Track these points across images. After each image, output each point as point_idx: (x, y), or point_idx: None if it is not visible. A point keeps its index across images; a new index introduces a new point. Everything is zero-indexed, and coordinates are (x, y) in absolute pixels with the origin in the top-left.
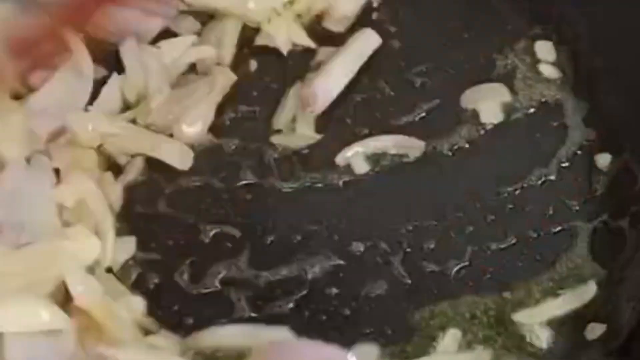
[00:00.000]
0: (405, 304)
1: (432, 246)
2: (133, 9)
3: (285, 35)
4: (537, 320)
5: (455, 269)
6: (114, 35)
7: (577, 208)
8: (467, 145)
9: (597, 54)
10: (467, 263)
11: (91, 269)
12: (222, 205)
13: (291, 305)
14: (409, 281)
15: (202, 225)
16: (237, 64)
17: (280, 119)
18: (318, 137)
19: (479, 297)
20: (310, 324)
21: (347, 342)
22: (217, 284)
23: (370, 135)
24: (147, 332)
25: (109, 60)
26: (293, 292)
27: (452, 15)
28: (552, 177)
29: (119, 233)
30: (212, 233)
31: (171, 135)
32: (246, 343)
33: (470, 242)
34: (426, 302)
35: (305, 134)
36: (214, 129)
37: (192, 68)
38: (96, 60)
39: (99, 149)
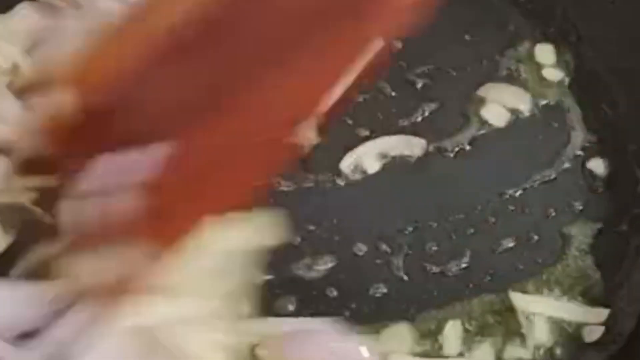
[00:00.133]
0: (405, 305)
1: (433, 247)
2: None
3: None
4: (536, 310)
5: (456, 270)
6: None
7: (579, 210)
8: (468, 147)
9: (599, 55)
10: (467, 264)
11: None
12: None
13: (291, 306)
14: (410, 282)
15: None
16: None
17: None
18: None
19: (479, 298)
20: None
21: None
22: None
23: (371, 136)
24: None
25: None
26: (293, 293)
27: (454, 17)
28: (554, 180)
29: None
30: None
31: None
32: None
33: (471, 244)
34: (426, 303)
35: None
36: None
37: None
38: None
39: None
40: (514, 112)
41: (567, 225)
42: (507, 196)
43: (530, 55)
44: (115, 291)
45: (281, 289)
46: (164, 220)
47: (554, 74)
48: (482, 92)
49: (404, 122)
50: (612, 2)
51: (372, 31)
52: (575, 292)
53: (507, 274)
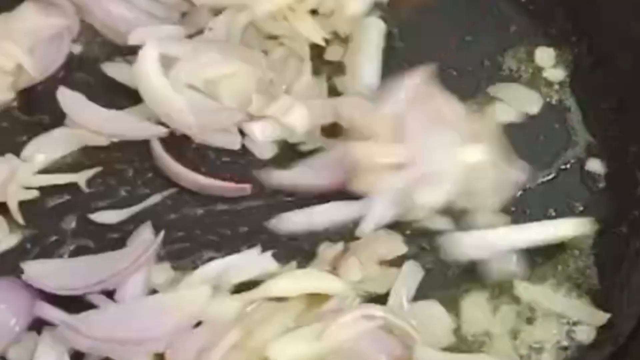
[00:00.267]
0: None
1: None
2: None
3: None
4: (537, 297)
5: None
6: None
7: (579, 211)
8: None
9: (600, 57)
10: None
11: None
12: None
13: None
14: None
15: None
16: None
17: None
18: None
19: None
20: None
21: None
22: None
23: None
24: None
25: None
26: None
27: (455, 18)
28: (554, 180)
29: None
30: None
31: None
32: None
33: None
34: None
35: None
36: None
37: None
38: None
39: None
40: (522, 112)
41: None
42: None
43: (531, 56)
44: None
45: None
46: None
47: (554, 75)
48: (492, 91)
49: None
50: (613, 3)
51: None
52: (575, 293)
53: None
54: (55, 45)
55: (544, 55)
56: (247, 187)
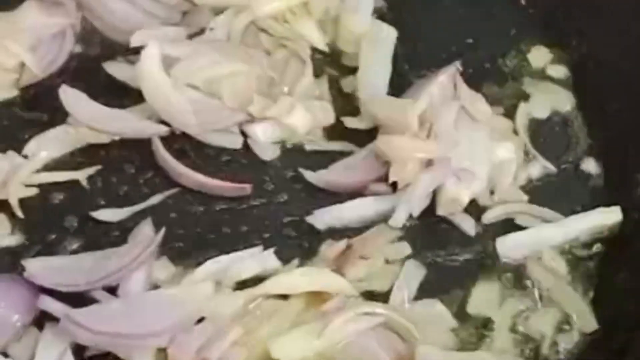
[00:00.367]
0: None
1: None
2: None
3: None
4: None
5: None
6: None
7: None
8: None
9: (601, 58)
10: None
11: None
12: None
13: None
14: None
15: None
16: None
17: None
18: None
19: None
20: None
21: None
22: None
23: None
24: None
25: None
26: None
27: (455, 20)
28: (554, 180)
29: None
30: None
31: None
32: None
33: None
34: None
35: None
36: None
37: None
38: None
39: None
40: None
41: None
42: None
43: (532, 58)
44: None
45: None
46: None
47: (555, 76)
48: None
49: None
50: (613, 7)
51: None
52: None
53: None
54: (57, 44)
55: (544, 57)
56: (247, 187)
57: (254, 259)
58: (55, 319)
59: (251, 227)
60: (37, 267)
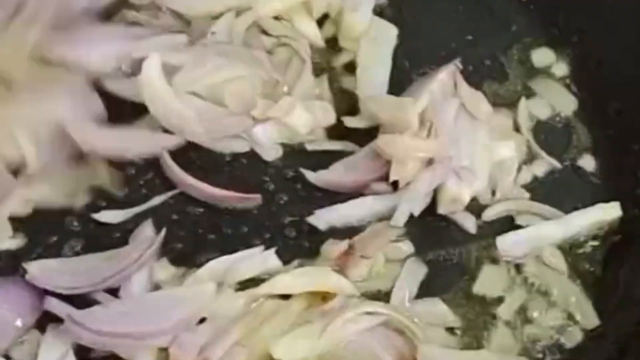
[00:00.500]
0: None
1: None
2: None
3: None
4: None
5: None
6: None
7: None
8: None
9: (601, 56)
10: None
11: None
12: None
13: None
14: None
15: None
16: None
17: None
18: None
19: None
20: None
21: None
22: None
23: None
24: None
25: None
26: None
27: (455, 17)
28: (555, 178)
29: None
30: None
31: None
32: None
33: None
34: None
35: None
36: None
37: None
38: None
39: None
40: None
41: None
42: None
43: (533, 55)
44: None
45: None
46: None
47: (556, 74)
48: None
49: None
50: (615, 4)
51: None
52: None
53: None
54: None
55: (545, 55)
56: (258, 197)
57: (255, 260)
58: (57, 321)
59: (252, 228)
60: (39, 270)
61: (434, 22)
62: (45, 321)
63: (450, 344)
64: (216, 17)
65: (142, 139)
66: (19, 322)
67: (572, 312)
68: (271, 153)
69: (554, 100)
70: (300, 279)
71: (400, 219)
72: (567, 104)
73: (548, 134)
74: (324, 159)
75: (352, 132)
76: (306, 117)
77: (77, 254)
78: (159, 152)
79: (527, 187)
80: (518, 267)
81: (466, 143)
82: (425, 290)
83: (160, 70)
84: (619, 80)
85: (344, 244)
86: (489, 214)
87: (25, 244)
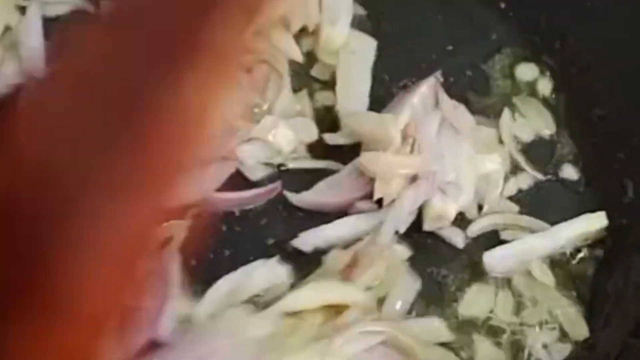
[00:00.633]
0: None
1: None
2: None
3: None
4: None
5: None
6: None
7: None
8: None
9: (585, 62)
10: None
11: None
12: None
13: None
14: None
15: None
16: None
17: None
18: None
19: None
20: None
21: None
22: None
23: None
24: None
25: None
26: None
27: (435, 27)
28: (540, 187)
29: None
30: None
31: None
32: None
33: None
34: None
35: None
36: None
37: None
38: None
39: None
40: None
41: None
42: None
43: (514, 64)
44: None
45: None
46: None
47: (538, 82)
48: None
49: None
50: (597, 9)
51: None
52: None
53: None
54: None
55: (527, 64)
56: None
57: (261, 274)
58: None
59: (253, 244)
60: None
61: (413, 33)
62: None
63: None
64: None
65: None
66: None
67: (561, 325)
68: (258, 173)
69: (537, 122)
70: (316, 293)
71: (385, 236)
72: (550, 125)
73: (531, 146)
74: (307, 178)
75: (335, 149)
76: (289, 134)
77: None
78: None
79: (512, 199)
80: (505, 282)
81: (450, 157)
82: (414, 306)
83: None
84: (601, 86)
85: (348, 254)
86: (473, 229)
87: None
